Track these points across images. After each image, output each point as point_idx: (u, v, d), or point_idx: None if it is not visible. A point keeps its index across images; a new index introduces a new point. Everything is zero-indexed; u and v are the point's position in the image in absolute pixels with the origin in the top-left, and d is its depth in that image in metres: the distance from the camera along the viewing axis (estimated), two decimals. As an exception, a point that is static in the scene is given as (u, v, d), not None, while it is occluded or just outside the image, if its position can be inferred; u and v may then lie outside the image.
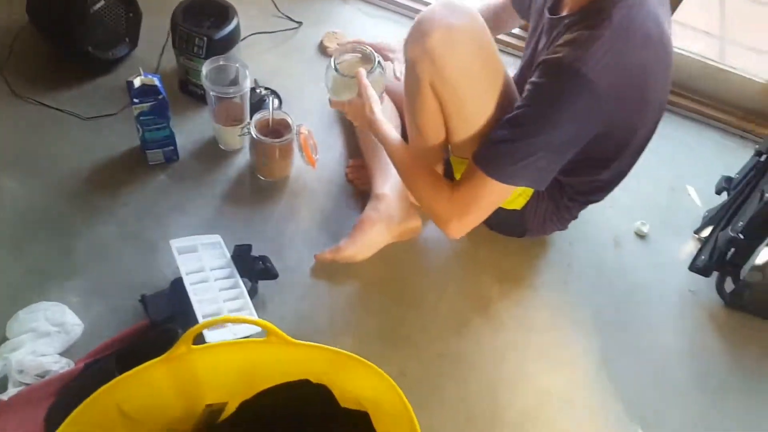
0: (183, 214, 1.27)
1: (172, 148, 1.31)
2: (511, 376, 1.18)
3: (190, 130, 1.41)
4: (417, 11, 1.26)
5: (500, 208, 1.18)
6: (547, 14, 1.00)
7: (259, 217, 1.30)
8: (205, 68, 1.25)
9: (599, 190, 1.16)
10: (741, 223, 1.25)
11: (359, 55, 1.19)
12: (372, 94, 1.10)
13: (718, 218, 1.38)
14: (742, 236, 1.24)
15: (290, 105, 1.49)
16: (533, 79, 0.91)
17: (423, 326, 1.21)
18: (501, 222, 1.26)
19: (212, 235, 1.17)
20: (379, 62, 1.19)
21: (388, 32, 1.70)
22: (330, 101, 1.20)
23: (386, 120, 1.10)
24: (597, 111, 0.89)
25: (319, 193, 1.36)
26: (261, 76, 1.50)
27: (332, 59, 1.21)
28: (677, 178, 1.57)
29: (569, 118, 0.89)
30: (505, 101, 0.98)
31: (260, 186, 1.35)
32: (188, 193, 1.31)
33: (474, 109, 1.01)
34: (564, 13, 0.96)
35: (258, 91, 1.42)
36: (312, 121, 1.47)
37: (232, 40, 1.38)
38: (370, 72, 1.16)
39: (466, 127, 1.02)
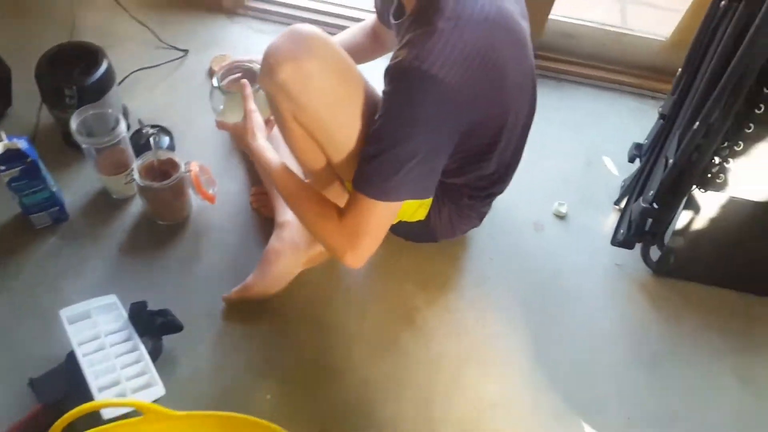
0: (78, 277, 1.19)
1: (58, 207, 1.23)
2: (444, 387, 1.14)
3: (80, 184, 1.33)
4: (313, 22, 1.18)
5: (406, 222, 1.14)
6: (392, 20, 0.96)
7: (160, 265, 1.23)
8: (75, 120, 1.18)
9: (495, 182, 1.12)
10: (651, 192, 1.22)
11: (247, 72, 1.13)
12: (256, 118, 1.04)
13: (631, 188, 1.36)
14: (655, 205, 1.22)
15: (184, 139, 1.42)
16: (383, 88, 0.87)
17: (348, 351, 1.16)
18: (411, 233, 1.22)
19: (107, 296, 1.10)
20: None
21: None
22: (216, 123, 1.13)
23: (269, 146, 1.04)
24: (451, 106, 0.85)
25: (224, 228, 1.30)
26: (149, 114, 1.42)
27: (215, 77, 1.14)
28: (592, 150, 1.54)
29: (425, 119, 0.84)
30: (372, 118, 0.93)
31: (159, 231, 1.28)
32: (82, 252, 1.23)
33: (342, 134, 0.95)
34: (406, 16, 0.91)
35: (144, 131, 1.35)
36: (209, 153, 1.41)
37: (106, 83, 1.30)
38: (256, 91, 1.10)
39: (340, 151, 0.97)
